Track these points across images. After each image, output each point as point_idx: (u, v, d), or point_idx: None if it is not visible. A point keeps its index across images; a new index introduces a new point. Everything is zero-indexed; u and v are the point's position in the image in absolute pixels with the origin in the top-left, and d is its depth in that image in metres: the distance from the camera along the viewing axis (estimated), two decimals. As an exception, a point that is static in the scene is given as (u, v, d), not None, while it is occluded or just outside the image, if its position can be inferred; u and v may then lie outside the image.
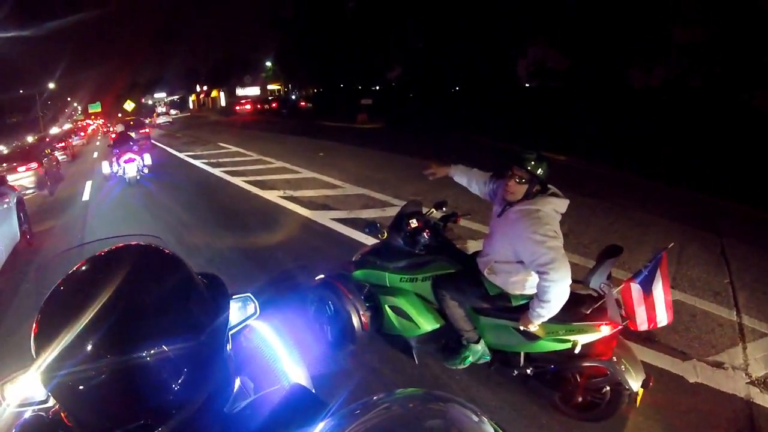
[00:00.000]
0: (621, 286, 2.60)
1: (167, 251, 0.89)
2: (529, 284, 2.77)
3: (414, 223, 3.40)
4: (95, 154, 21.43)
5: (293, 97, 48.27)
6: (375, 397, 0.68)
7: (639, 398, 2.60)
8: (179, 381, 0.76)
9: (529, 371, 2.92)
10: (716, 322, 4.13)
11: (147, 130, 22.75)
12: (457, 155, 14.73)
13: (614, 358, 2.63)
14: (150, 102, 69.51)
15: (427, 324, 3.23)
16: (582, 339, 2.65)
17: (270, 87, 60.25)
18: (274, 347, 1.29)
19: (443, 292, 3.06)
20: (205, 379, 0.81)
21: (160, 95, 71.50)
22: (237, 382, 1.02)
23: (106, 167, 12.37)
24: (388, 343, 3.50)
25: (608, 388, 2.67)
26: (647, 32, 21.83)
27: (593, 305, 2.65)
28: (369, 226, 3.54)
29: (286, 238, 6.39)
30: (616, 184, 10.47)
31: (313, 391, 1.18)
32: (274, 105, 43.81)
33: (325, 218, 7.24)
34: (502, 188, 2.87)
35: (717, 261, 5.66)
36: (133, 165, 11.27)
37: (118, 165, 11.43)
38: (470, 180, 3.40)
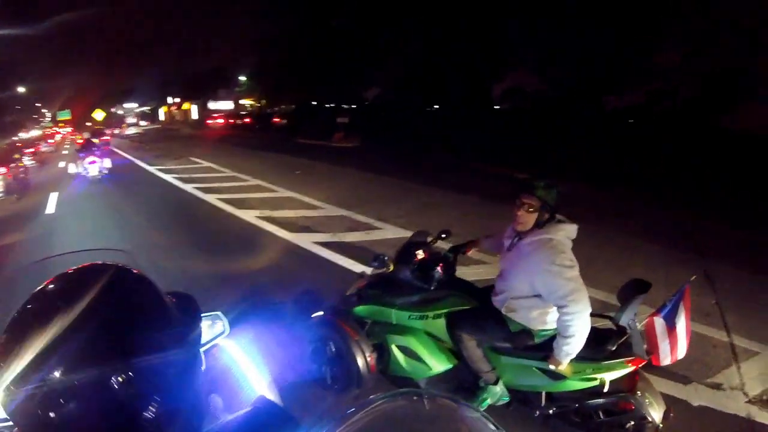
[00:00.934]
0: (645, 321, 2.58)
1: (135, 271, 0.89)
2: (550, 318, 2.66)
3: (420, 254, 3.22)
4: (62, 164, 20.51)
5: (265, 112, 47.90)
6: (372, 397, 0.73)
7: (659, 430, 2.58)
8: (147, 403, 0.76)
9: (551, 411, 2.79)
10: (710, 344, 4.15)
11: (108, 137, 25.08)
12: (437, 175, 14.90)
13: (638, 392, 2.59)
14: (120, 112, 68.04)
15: (440, 364, 3.00)
16: (609, 376, 2.60)
17: (243, 102, 59.59)
18: (243, 366, 1.29)
19: (460, 332, 2.85)
20: (175, 400, 0.81)
21: (131, 105, 70.06)
22: (209, 402, 1.04)
23: (72, 168, 14.03)
24: (394, 385, 3.21)
25: (632, 422, 2.61)
26: (623, 58, 22.62)
27: (618, 341, 2.59)
28: (377, 260, 3.21)
29: (267, 263, 5.99)
30: (596, 206, 10.50)
31: (282, 405, 1.15)
32: (247, 120, 43.17)
33: (307, 241, 6.88)
34: (511, 226, 2.80)
35: (702, 282, 5.68)
36: (95, 166, 13.34)
37: (83, 166, 13.38)
38: (491, 243, 3.30)
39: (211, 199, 10.16)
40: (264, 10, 34.56)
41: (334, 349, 3.18)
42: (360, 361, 3.03)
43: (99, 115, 49.98)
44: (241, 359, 1.32)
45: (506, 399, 2.89)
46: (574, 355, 2.50)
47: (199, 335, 0.94)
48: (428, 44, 29.93)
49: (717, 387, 3.55)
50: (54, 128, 61.07)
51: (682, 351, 2.58)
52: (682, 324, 2.54)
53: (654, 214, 9.56)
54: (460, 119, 30.23)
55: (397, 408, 0.74)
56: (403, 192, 11.16)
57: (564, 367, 2.56)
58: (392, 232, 7.49)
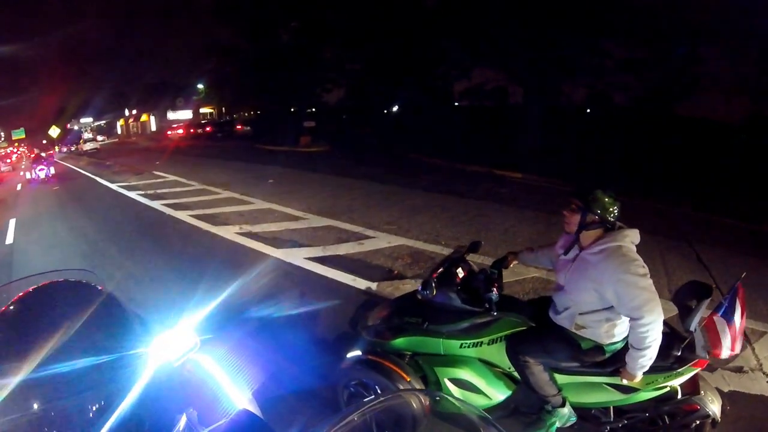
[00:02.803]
0: (704, 322, 2.53)
1: (99, 287, 1.00)
2: (619, 330, 2.55)
3: (461, 273, 2.95)
4: (19, 186, 19.24)
5: (226, 119, 46.69)
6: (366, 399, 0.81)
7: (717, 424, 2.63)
8: (112, 418, 0.79)
9: (620, 425, 2.70)
10: (721, 328, 4.21)
11: (52, 153, 31.15)
12: (413, 176, 14.64)
13: (702, 392, 2.60)
14: (76, 127, 65.18)
15: (499, 393, 2.77)
16: (678, 382, 2.57)
17: (203, 110, 57.96)
18: (218, 378, 1.30)
19: (525, 356, 2.63)
20: (142, 416, 0.84)
21: (87, 120, 67.23)
22: (183, 418, 1.05)
23: (28, 174, 20.04)
24: (450, 424, 2.82)
25: (697, 422, 2.61)
26: (577, 49, 22.86)
27: (681, 345, 2.56)
28: (426, 287, 2.83)
29: (259, 287, 5.40)
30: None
31: (261, 417, 1.20)
32: (208, 129, 42.08)
33: (297, 258, 6.38)
34: (568, 237, 2.70)
35: (697, 267, 5.90)
36: (43, 172, 19.27)
37: (35, 172, 19.20)
38: (536, 256, 3.13)
39: (183, 216, 9.47)
40: (218, 18, 33.45)
41: (380, 392, 2.75)
42: (415, 404, 2.64)
43: (54, 131, 49.33)
44: (217, 372, 1.32)
45: (574, 419, 2.71)
46: (648, 367, 2.40)
47: (164, 352, 1.00)
48: (386, 47, 29.70)
49: (739, 371, 3.67)
50: (9, 148, 60.27)
51: (739, 345, 2.52)
52: (738, 319, 2.49)
53: (633, 204, 9.58)
54: (421, 118, 30.23)
55: (390, 407, 0.80)
56: (384, 196, 10.79)
57: (638, 380, 2.47)
58: (386, 240, 7.09)
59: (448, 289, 2.83)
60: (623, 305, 2.38)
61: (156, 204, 10.97)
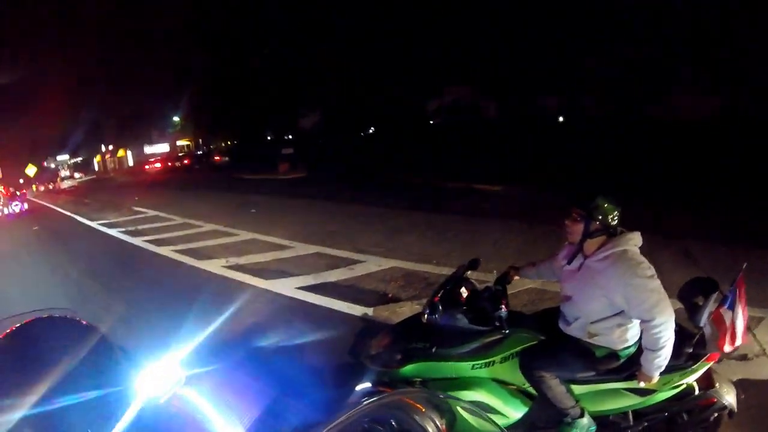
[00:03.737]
0: (711, 316, 2.59)
1: (84, 322, 0.99)
2: (631, 334, 2.56)
3: (464, 292, 2.92)
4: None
5: (203, 151, 46.46)
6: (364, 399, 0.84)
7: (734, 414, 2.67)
8: None
9: (640, 428, 2.71)
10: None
11: (25, 192, 31.72)
12: (395, 196, 14.67)
13: (716, 385, 2.63)
14: (53, 165, 63.91)
15: (516, 411, 2.72)
16: (693, 378, 2.61)
17: (179, 143, 57.58)
18: (207, 413, 1.28)
19: (540, 371, 2.59)
20: None
21: (63, 158, 65.93)
22: None
23: (5, 210, 21.85)
24: None
25: (715, 414, 2.65)
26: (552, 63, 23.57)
27: (692, 341, 2.59)
28: (432, 309, 2.80)
29: (251, 319, 5.29)
30: (557, 208, 10.68)
31: None
32: (186, 161, 41.77)
33: (288, 288, 6.28)
34: (570, 247, 2.72)
35: (688, 262, 6.05)
36: (18, 206, 22.06)
37: (11, 207, 21.87)
38: (539, 270, 3.15)
39: (166, 251, 9.28)
40: (190, 45, 33.61)
41: (397, 427, 2.68)
42: (431, 429, 2.55)
43: (31, 170, 48.79)
44: (204, 406, 1.29)
45: (594, 429, 2.67)
46: (664, 367, 2.41)
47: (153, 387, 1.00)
48: (358, 71, 30.12)
49: (744, 358, 3.71)
50: None
51: (743, 335, 2.59)
52: (741, 310, 2.56)
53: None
54: (396, 137, 30.57)
55: (385, 406, 0.84)
56: (367, 219, 10.78)
57: (656, 381, 2.47)
58: (375, 264, 7.04)
59: (454, 311, 2.79)
60: (634, 309, 2.39)
61: (138, 241, 10.73)
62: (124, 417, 0.95)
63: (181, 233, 11.02)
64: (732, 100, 23.51)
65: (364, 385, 2.82)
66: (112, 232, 12.52)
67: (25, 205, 22.68)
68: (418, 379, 2.84)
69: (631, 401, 2.62)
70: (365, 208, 12.34)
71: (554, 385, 2.58)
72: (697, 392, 2.62)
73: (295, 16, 29.15)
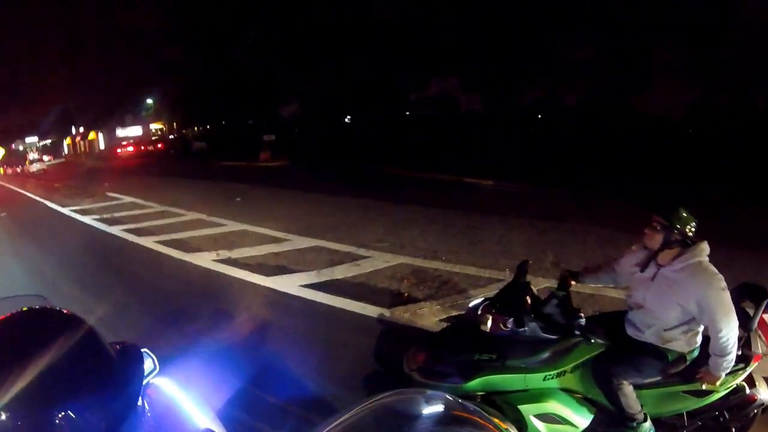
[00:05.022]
0: (757, 321, 2.71)
1: (65, 312, 0.94)
2: (699, 337, 2.68)
3: (528, 300, 2.82)
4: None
5: (181, 135, 44.96)
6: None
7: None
8: None
9: (693, 428, 2.80)
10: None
11: None
12: (383, 188, 14.26)
13: (757, 383, 2.75)
14: (21, 148, 60.98)
15: (584, 420, 2.72)
16: (743, 378, 2.70)
17: (153, 126, 55.63)
18: (182, 403, 1.26)
19: (617, 378, 2.60)
20: None
21: (32, 140, 62.85)
22: None
23: None
24: None
25: (755, 411, 2.75)
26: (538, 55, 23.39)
27: (740, 344, 2.58)
28: (519, 324, 2.65)
29: (259, 326, 4.71)
30: (552, 201, 10.80)
31: None
32: (160, 146, 40.30)
33: (291, 286, 5.74)
34: (638, 254, 2.78)
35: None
36: None
37: None
38: (598, 276, 3.11)
39: (148, 242, 8.58)
40: (166, 34, 32.25)
41: None
42: None
43: None
44: (179, 396, 1.27)
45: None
46: (729, 369, 2.51)
47: (140, 377, 0.96)
48: (341, 62, 29.48)
49: None
50: None
51: None
52: None
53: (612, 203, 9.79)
54: (375, 128, 30.14)
55: (391, 404, 0.84)
56: (363, 211, 10.34)
57: (719, 383, 2.57)
58: (382, 260, 6.59)
59: (526, 320, 2.68)
60: (707, 317, 2.47)
61: (115, 230, 9.94)
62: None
63: (161, 222, 10.31)
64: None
65: (435, 410, 2.41)
66: (86, 219, 11.65)
67: None
68: (480, 393, 2.72)
69: (689, 403, 2.70)
70: (357, 199, 11.82)
71: (629, 391, 2.60)
72: (747, 391, 2.73)
73: (278, 3, 28.23)
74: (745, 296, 2.79)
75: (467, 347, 2.77)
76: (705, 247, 2.58)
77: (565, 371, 2.68)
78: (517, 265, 3.01)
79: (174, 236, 8.85)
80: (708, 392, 2.64)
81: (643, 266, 2.70)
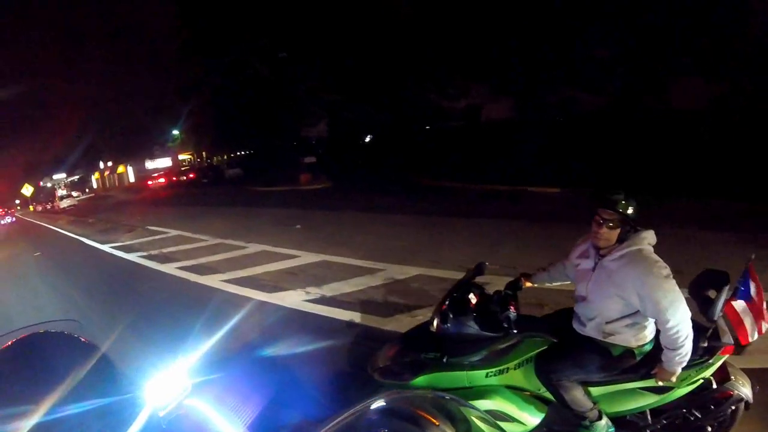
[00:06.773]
0: (724, 309, 2.48)
1: (83, 339, 0.99)
2: (648, 331, 2.50)
3: (473, 299, 2.79)
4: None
5: (210, 163, 45.04)
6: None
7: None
8: None
9: (659, 426, 2.63)
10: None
11: (13, 210, 34.52)
12: (439, 201, 13.27)
13: (732, 377, 2.60)
14: (49, 184, 62.76)
15: (532, 417, 2.63)
16: (709, 372, 2.55)
17: (181, 156, 56.20)
18: (215, 422, 1.26)
19: (558, 375, 2.50)
20: None
21: (60, 176, 64.59)
22: None
23: None
24: None
25: (732, 407, 2.59)
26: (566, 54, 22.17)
27: (707, 335, 2.49)
28: (442, 320, 2.69)
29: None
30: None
31: None
32: (191, 175, 40.22)
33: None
34: (583, 246, 2.69)
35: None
36: (8, 220, 33.12)
37: (1, 222, 30.13)
38: (550, 274, 3.00)
39: (214, 282, 7.48)
40: (189, 56, 32.28)
41: None
42: None
43: (27, 190, 50.33)
44: (212, 415, 1.27)
45: (612, 430, 2.60)
46: (685, 363, 2.37)
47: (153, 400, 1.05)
48: (365, 68, 28.90)
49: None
50: None
51: (765, 324, 2.51)
52: (759, 298, 2.49)
53: None
54: (409, 141, 29.36)
55: (396, 415, 0.98)
56: (437, 229, 9.78)
57: (675, 378, 2.40)
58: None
59: (464, 318, 2.71)
60: (649, 309, 2.35)
61: (170, 269, 8.92)
62: (132, 427, 0.95)
63: (221, 257, 9.28)
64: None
65: (378, 402, 2.33)
66: (132, 257, 10.71)
67: (13, 218, 31.91)
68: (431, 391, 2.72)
69: (649, 400, 2.59)
70: (422, 217, 10.92)
71: (572, 388, 2.52)
72: (714, 386, 2.59)
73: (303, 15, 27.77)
74: (707, 284, 2.60)
75: (419, 346, 2.82)
76: (647, 235, 2.46)
77: (507, 368, 2.68)
78: (475, 264, 2.99)
79: (243, 273, 7.81)
80: (668, 388, 2.53)
81: (586, 257, 2.63)
